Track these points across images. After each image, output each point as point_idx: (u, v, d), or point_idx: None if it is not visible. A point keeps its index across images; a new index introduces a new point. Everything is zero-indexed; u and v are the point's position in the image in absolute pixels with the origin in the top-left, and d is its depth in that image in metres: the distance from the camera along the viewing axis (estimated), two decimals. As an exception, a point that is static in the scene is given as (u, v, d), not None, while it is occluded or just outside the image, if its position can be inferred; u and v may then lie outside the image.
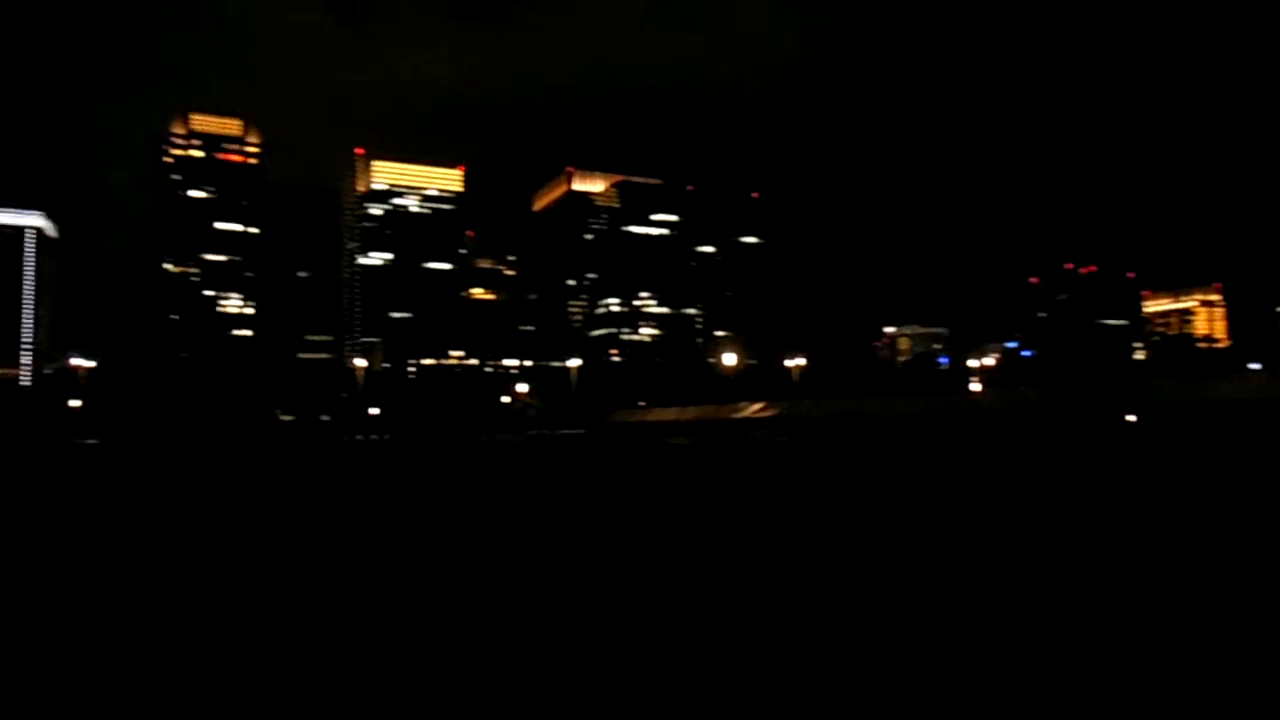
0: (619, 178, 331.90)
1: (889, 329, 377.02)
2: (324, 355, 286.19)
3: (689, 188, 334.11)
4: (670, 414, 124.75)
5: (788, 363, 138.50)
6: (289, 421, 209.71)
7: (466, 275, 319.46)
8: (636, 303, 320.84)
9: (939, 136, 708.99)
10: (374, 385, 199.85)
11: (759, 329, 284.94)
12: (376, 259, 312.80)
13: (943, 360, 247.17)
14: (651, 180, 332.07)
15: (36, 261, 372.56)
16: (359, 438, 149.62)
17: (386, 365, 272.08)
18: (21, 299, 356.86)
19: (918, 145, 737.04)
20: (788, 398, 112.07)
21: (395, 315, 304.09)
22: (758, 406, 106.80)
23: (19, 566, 14.26)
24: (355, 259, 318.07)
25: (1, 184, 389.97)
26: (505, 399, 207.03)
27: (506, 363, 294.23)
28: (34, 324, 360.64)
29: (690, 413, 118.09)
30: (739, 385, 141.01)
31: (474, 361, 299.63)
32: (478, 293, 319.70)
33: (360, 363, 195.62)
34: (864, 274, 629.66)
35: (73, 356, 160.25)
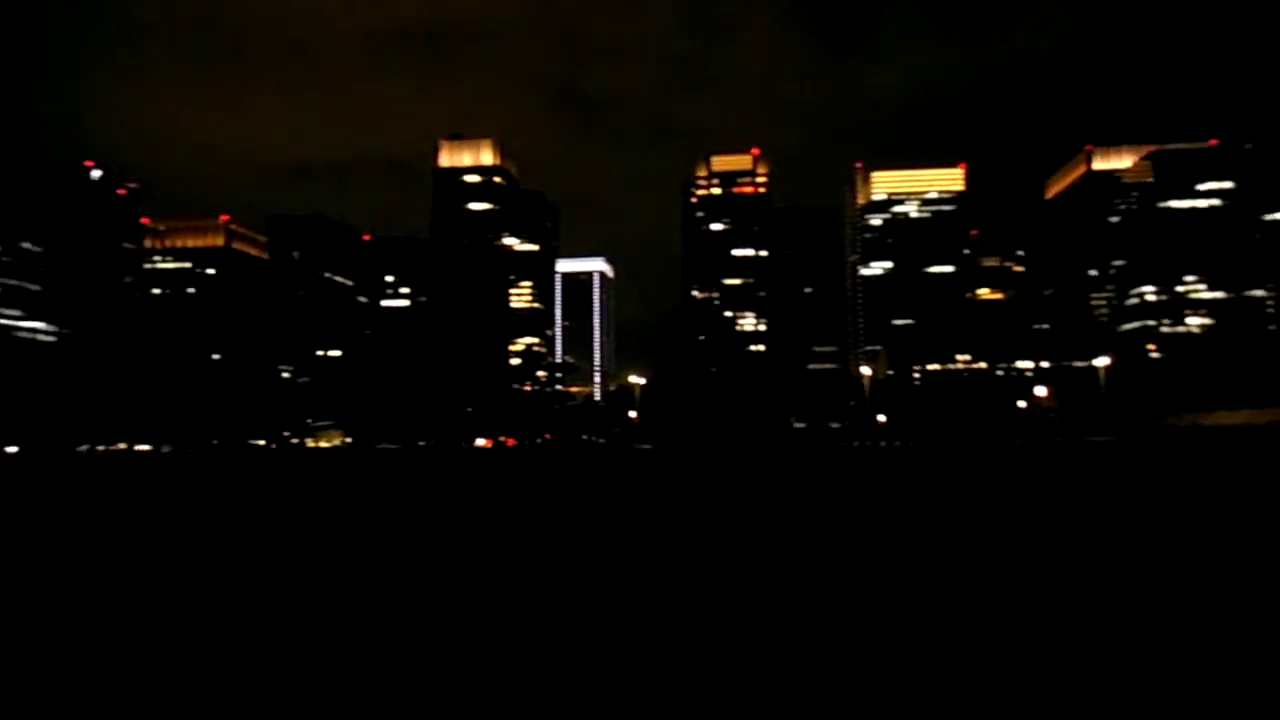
0: (1150, 148, 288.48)
1: None
2: (830, 365, 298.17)
3: (1246, 146, 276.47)
4: (1240, 417, 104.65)
5: None
6: (801, 429, 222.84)
7: (971, 276, 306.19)
8: (1180, 289, 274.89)
9: None
10: (880, 392, 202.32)
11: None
12: (877, 268, 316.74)
13: None
14: (1194, 145, 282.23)
15: (600, 299, 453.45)
16: (870, 444, 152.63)
17: (891, 372, 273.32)
18: (593, 329, 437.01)
19: None
20: None
21: (897, 322, 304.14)
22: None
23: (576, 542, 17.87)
24: (857, 270, 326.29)
25: (570, 238, 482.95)
26: (1021, 404, 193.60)
27: (1019, 365, 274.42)
28: (600, 350, 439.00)
29: (1271, 415, 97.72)
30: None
31: (982, 365, 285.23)
32: (983, 293, 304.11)
33: (865, 371, 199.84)
34: None
35: (631, 375, 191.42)
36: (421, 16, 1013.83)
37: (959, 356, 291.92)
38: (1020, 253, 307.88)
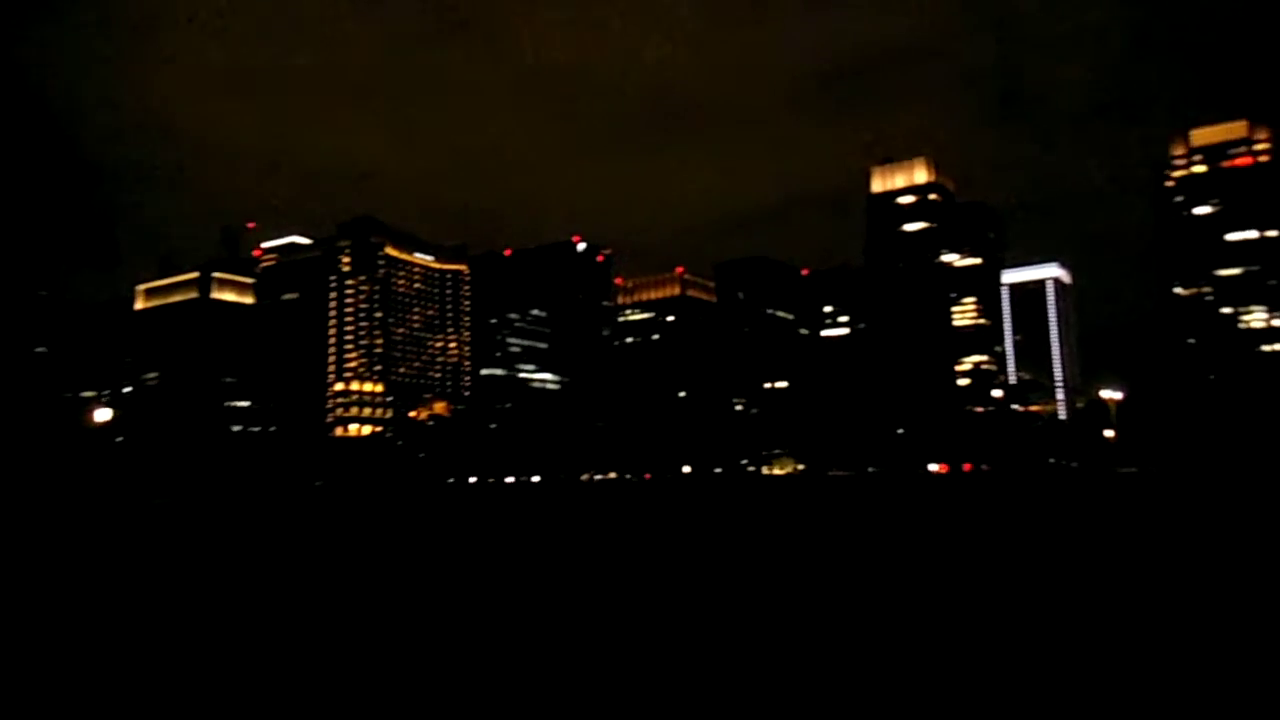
0: None
1: None
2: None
3: None
4: None
5: None
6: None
7: None
8: None
9: None
10: None
11: None
12: None
13: None
14: None
15: (1057, 307, 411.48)
16: None
17: None
18: (1049, 341, 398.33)
19: None
20: None
21: None
22: None
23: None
24: None
25: (1020, 245, 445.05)
26: None
27: None
28: (1061, 363, 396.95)
29: None
30: None
31: None
32: None
33: None
34: None
35: (1102, 389, 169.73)
36: (834, 56, 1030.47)
37: None
38: None
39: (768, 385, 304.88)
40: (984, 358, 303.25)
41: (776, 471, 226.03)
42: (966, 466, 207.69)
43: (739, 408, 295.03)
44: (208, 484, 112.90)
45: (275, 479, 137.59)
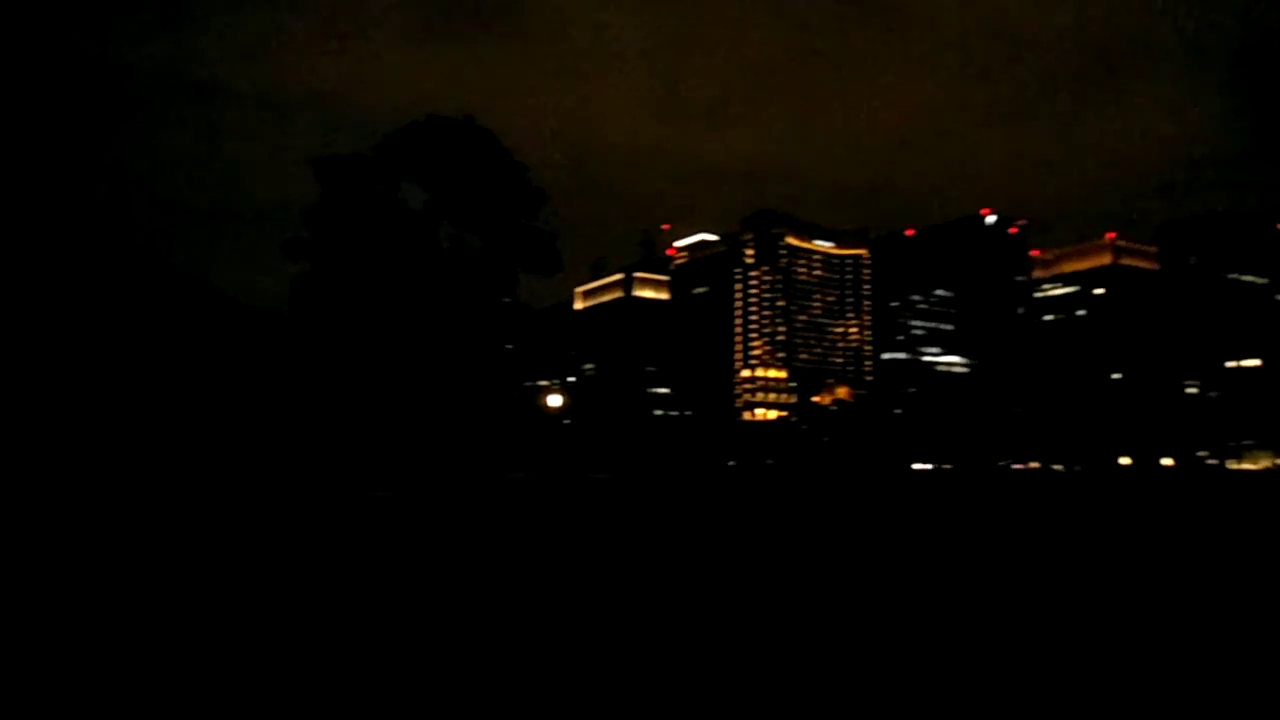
0: None
1: None
2: None
3: None
4: None
5: None
6: None
7: None
8: None
9: None
10: None
11: None
12: None
13: None
14: None
15: None
16: None
17: None
18: None
19: None
20: None
21: None
22: None
23: None
24: None
25: None
26: None
27: None
28: None
29: None
30: None
31: None
32: None
33: None
34: None
35: None
36: None
37: None
38: None
39: (1231, 364, 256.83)
40: None
41: (1247, 466, 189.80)
42: None
43: (1192, 391, 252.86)
44: (637, 461, 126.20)
45: (692, 458, 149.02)
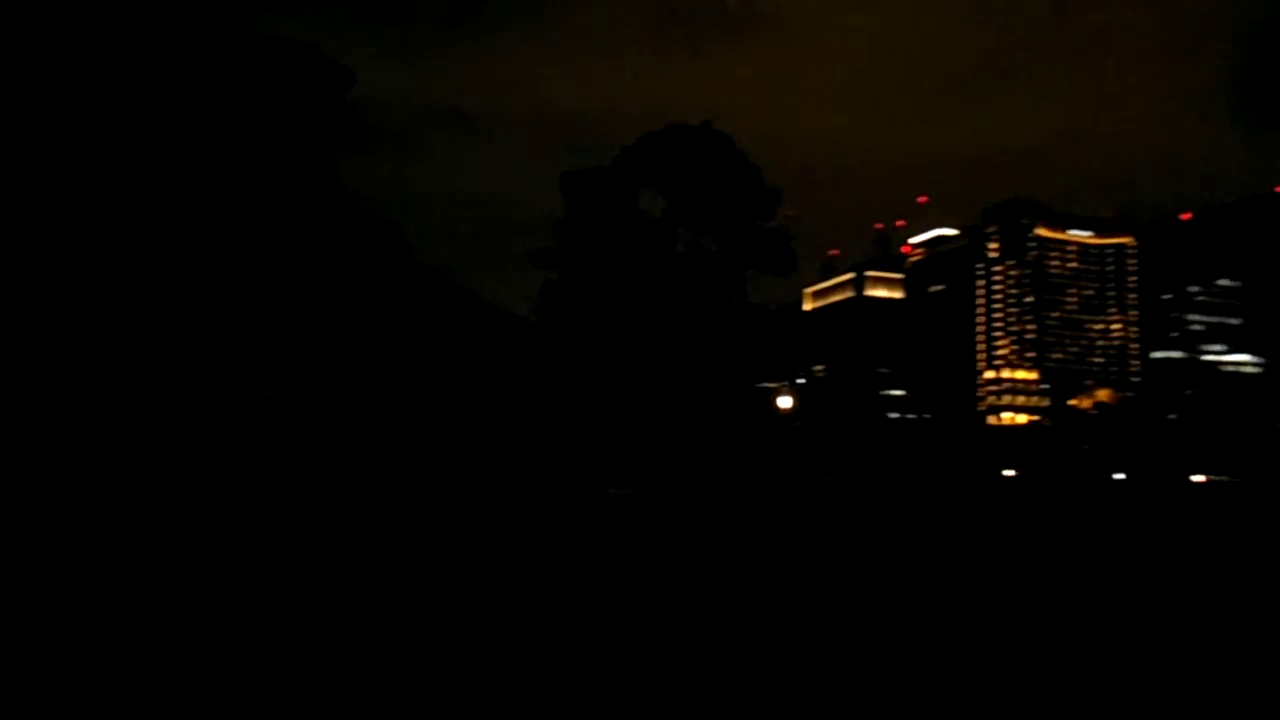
0: None
1: None
2: None
3: None
4: None
5: None
6: None
7: None
8: None
9: None
10: None
11: None
12: None
13: None
14: None
15: None
16: None
17: None
18: None
19: None
20: None
21: None
22: None
23: None
24: None
25: None
26: None
27: None
28: None
29: None
30: None
31: None
32: None
33: None
34: None
35: None
36: None
37: None
38: None
39: None
40: None
41: None
42: None
43: None
44: (870, 465, 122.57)
45: (931, 462, 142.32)
